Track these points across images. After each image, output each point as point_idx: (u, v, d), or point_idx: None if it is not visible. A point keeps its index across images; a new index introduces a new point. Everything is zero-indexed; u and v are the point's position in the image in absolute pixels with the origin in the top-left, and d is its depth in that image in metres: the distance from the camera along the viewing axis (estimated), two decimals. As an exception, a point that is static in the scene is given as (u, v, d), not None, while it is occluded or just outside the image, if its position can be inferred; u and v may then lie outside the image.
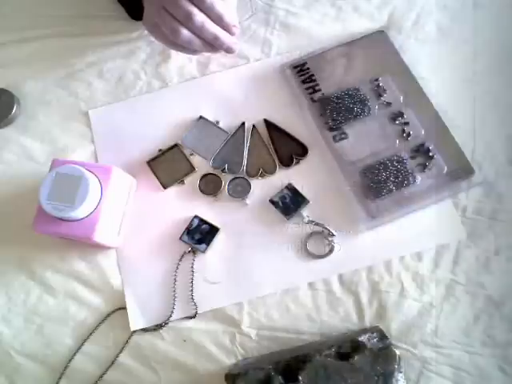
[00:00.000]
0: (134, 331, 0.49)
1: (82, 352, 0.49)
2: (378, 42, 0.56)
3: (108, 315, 0.50)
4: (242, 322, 0.49)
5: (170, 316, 0.49)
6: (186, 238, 0.51)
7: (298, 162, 0.53)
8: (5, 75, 0.58)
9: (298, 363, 0.44)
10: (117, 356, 0.49)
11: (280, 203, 0.51)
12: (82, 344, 0.49)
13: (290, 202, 0.51)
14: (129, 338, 0.49)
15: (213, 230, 0.51)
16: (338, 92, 0.54)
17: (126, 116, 0.56)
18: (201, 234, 0.51)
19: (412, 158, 0.51)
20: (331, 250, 0.50)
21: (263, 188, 0.52)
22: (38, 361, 0.49)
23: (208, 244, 0.50)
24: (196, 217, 0.51)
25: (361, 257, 0.50)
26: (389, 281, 0.49)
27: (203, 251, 0.50)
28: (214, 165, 0.53)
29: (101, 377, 0.48)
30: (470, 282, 0.49)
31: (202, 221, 0.51)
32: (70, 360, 0.49)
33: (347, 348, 0.45)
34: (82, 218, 0.45)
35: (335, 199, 0.51)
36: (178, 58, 0.58)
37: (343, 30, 0.58)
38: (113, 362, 0.49)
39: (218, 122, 0.55)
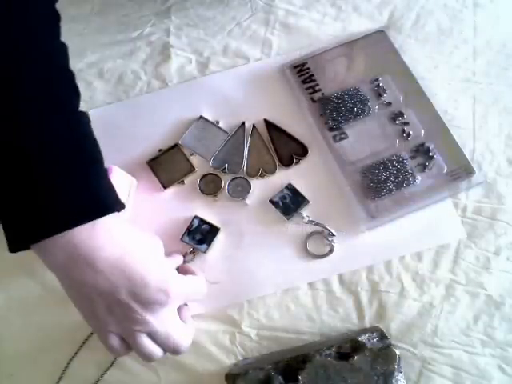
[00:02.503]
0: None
1: (82, 352, 0.49)
2: (378, 42, 0.56)
3: (108, 315, 0.50)
4: (242, 322, 0.49)
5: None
6: (186, 238, 0.51)
7: (297, 162, 0.53)
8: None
9: (298, 363, 0.44)
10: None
11: (280, 203, 0.51)
12: (82, 344, 0.49)
13: (290, 202, 0.51)
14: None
15: (213, 230, 0.51)
16: (338, 92, 0.54)
17: (126, 116, 0.56)
18: (201, 235, 0.51)
19: (412, 157, 0.51)
20: (331, 250, 0.50)
21: (263, 188, 0.52)
22: (38, 361, 0.49)
23: (209, 244, 0.50)
24: (196, 217, 0.51)
25: (361, 257, 0.50)
26: (389, 281, 0.49)
27: (204, 251, 0.50)
28: (214, 165, 0.54)
29: (101, 377, 0.48)
30: (470, 281, 0.49)
31: (202, 221, 0.51)
32: (70, 360, 0.49)
33: (347, 348, 0.45)
34: (82, 218, 0.45)
35: (335, 199, 0.51)
36: (178, 58, 0.58)
37: (343, 29, 0.58)
38: (113, 362, 0.49)
39: (218, 122, 0.55)
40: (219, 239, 0.51)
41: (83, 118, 0.41)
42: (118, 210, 0.40)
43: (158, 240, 0.44)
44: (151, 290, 0.39)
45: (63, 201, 0.37)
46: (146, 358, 0.41)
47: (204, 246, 0.50)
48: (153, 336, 0.40)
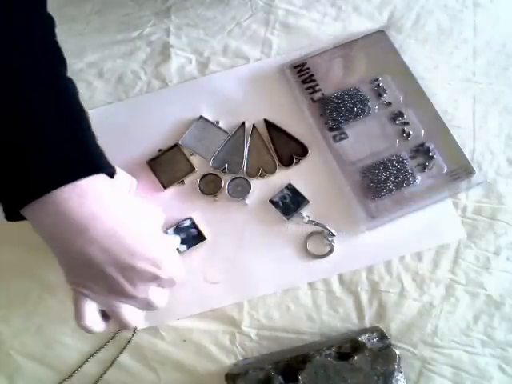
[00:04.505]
0: (134, 331, 0.49)
1: (82, 352, 0.49)
2: (378, 42, 0.56)
3: (108, 315, 0.50)
4: (242, 322, 0.49)
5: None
6: (171, 231, 0.50)
7: (297, 162, 0.53)
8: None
9: (298, 363, 0.44)
10: (117, 356, 0.49)
11: (280, 203, 0.51)
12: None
13: (290, 202, 0.51)
14: (129, 339, 0.49)
15: (200, 238, 0.50)
16: (338, 92, 0.54)
17: (126, 116, 0.56)
18: (186, 236, 0.50)
19: (412, 158, 0.51)
20: (331, 250, 0.50)
21: (263, 188, 0.52)
22: (38, 361, 0.49)
23: (189, 247, 0.50)
24: (190, 218, 0.51)
25: (361, 257, 0.50)
26: (389, 281, 0.49)
27: (181, 252, 0.50)
28: (214, 165, 0.54)
29: (101, 377, 0.48)
30: (470, 281, 0.49)
31: (194, 225, 0.51)
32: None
33: (347, 348, 0.45)
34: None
35: (335, 199, 0.51)
36: (178, 57, 0.58)
37: (343, 29, 0.58)
38: (113, 362, 0.49)
39: (218, 122, 0.55)
40: (219, 239, 0.51)
41: (69, 83, 0.40)
42: (110, 174, 0.38)
43: (159, 213, 0.42)
44: (141, 265, 0.37)
45: (48, 161, 0.35)
46: (124, 326, 0.42)
47: (183, 247, 0.50)
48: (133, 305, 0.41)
